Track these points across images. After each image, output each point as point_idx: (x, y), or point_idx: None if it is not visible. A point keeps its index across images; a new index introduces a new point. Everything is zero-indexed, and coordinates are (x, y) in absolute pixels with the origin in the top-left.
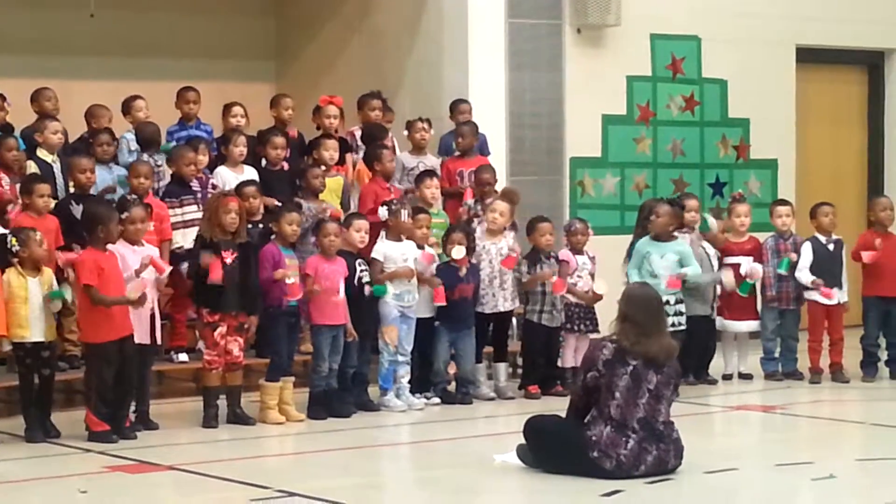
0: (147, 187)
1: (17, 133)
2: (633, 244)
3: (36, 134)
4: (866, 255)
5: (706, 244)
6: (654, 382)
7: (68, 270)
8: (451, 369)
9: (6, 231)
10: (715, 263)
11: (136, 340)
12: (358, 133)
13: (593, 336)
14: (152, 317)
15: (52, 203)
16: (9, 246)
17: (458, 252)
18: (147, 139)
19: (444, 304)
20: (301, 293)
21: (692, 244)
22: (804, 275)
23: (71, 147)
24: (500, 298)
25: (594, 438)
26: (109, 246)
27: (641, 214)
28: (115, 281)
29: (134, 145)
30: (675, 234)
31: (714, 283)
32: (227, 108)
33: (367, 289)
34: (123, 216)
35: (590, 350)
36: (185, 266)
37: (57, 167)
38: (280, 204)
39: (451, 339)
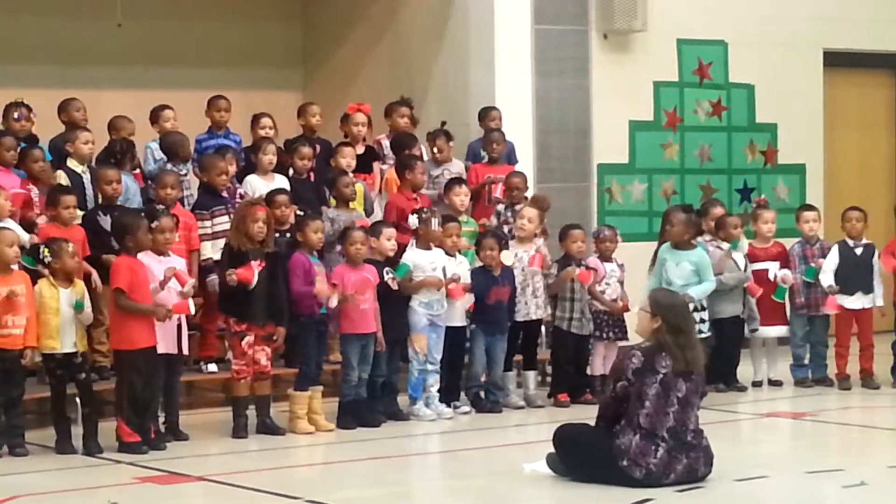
0: (175, 198)
1: (43, 143)
2: (657, 251)
3: (67, 144)
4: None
5: (725, 245)
6: (684, 390)
7: (95, 281)
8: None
9: (37, 242)
10: (740, 263)
11: (163, 350)
12: (386, 141)
13: (622, 344)
14: (179, 327)
15: (78, 214)
16: (41, 257)
17: (508, 258)
18: (173, 149)
19: (458, 298)
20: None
21: (722, 258)
22: (826, 277)
23: (99, 158)
24: (531, 306)
25: (623, 447)
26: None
27: (665, 221)
28: (145, 289)
29: (159, 154)
30: (695, 242)
31: (741, 284)
32: (255, 120)
33: (387, 277)
34: (153, 225)
35: (618, 359)
36: (212, 277)
37: (87, 177)
38: (303, 212)
39: (486, 343)
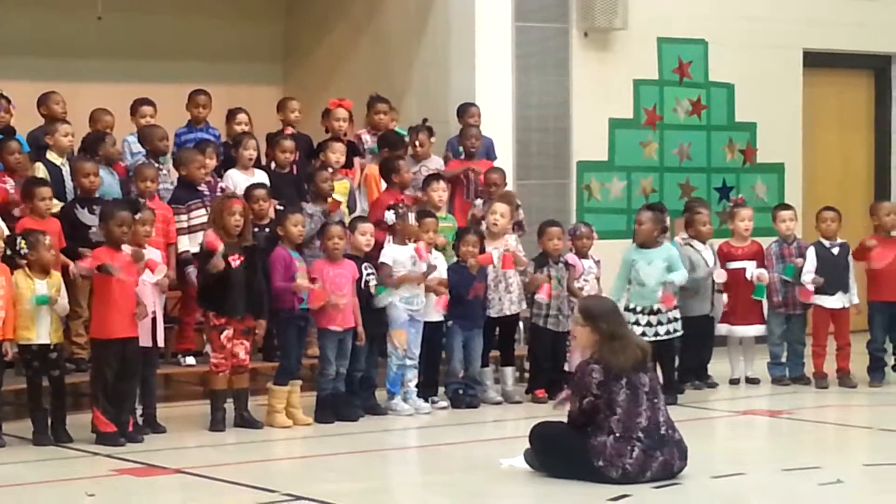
0: (153, 191)
1: (20, 135)
2: None
3: (46, 136)
4: (876, 256)
5: (696, 243)
6: (648, 382)
7: (72, 272)
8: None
9: (13, 233)
10: (709, 261)
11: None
12: (366, 136)
13: None
14: (153, 320)
15: (55, 206)
16: (17, 248)
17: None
18: (146, 140)
19: (444, 312)
20: (324, 299)
21: (682, 250)
22: (807, 278)
23: (79, 150)
24: (506, 302)
25: (598, 448)
26: None
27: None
28: (119, 282)
29: (136, 148)
30: (660, 239)
31: (707, 278)
32: (231, 115)
33: (367, 277)
34: (136, 217)
35: (578, 377)
36: (190, 269)
37: (66, 170)
38: (282, 206)
39: (464, 338)
